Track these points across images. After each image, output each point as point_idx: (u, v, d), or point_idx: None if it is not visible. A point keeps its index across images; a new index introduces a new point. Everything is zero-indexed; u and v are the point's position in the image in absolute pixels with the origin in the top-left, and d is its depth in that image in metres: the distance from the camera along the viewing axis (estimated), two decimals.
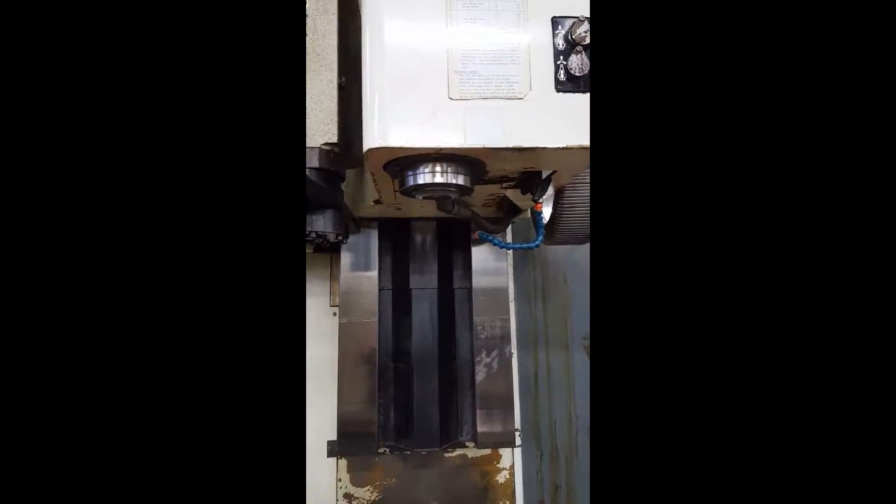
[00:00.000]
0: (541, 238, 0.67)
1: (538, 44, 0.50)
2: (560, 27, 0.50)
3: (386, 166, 0.55)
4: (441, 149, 0.50)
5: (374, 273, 0.94)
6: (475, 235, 0.79)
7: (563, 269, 1.26)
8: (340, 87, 0.59)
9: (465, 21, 0.50)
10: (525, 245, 0.70)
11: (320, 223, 0.62)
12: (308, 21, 0.58)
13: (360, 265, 0.95)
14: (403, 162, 0.53)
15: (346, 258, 0.94)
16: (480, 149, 0.49)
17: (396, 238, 0.98)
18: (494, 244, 0.74)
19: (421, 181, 0.52)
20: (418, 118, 0.49)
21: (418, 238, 0.98)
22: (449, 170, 0.52)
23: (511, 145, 0.49)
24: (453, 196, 0.56)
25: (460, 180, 0.53)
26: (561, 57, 0.50)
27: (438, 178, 0.52)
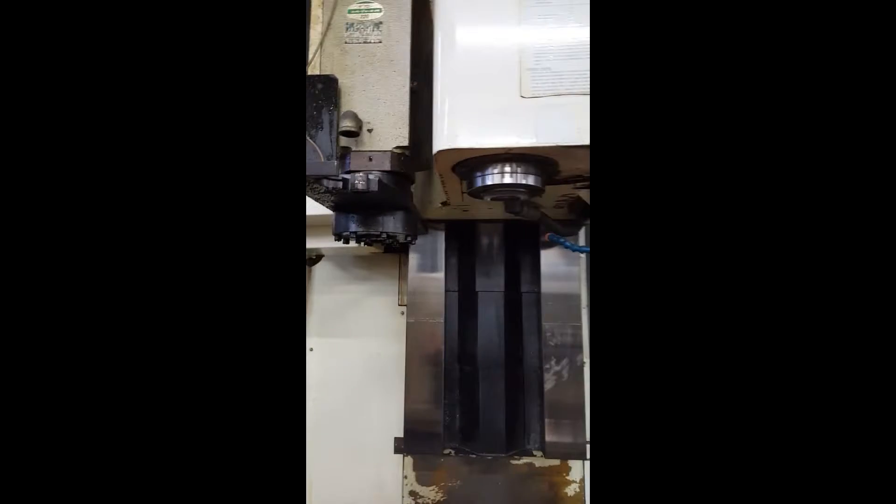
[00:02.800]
0: None
1: None
2: None
3: (455, 168, 0.55)
4: (511, 149, 0.49)
5: (441, 274, 0.95)
6: (545, 237, 0.77)
7: None
8: (412, 91, 0.60)
9: (537, 18, 0.49)
10: None
11: (391, 224, 0.64)
12: (383, 27, 0.60)
13: (428, 266, 0.96)
14: (472, 163, 0.52)
15: (413, 259, 0.96)
16: (552, 147, 0.48)
17: (463, 240, 0.98)
18: (565, 247, 0.72)
19: (489, 182, 0.52)
20: (488, 119, 0.49)
21: (485, 240, 0.98)
22: (518, 170, 0.51)
23: (585, 143, 0.46)
24: (522, 197, 0.55)
25: (530, 180, 0.51)
26: None
27: (507, 179, 0.51)
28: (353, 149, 0.60)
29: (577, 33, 0.48)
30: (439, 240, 0.95)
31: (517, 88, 0.49)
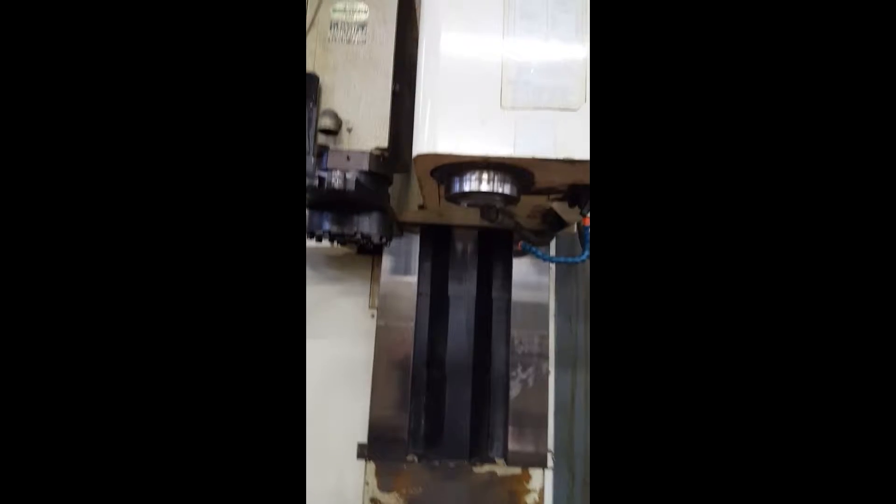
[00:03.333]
0: (587, 253, 0.65)
1: None
2: None
3: (433, 172, 0.55)
4: (489, 157, 0.49)
5: (414, 278, 0.95)
6: (518, 246, 0.78)
7: None
8: (394, 94, 0.60)
9: (522, 32, 0.50)
10: (570, 259, 0.68)
11: (366, 224, 0.63)
12: (367, 29, 0.60)
13: (401, 269, 0.96)
14: (450, 168, 0.53)
15: (387, 261, 0.96)
16: (529, 159, 0.49)
17: (438, 244, 0.98)
18: (537, 256, 0.73)
19: (467, 188, 0.52)
20: (468, 126, 0.49)
21: (459, 245, 0.98)
22: (496, 178, 0.52)
23: (562, 157, 0.48)
24: (498, 205, 0.56)
25: (506, 189, 0.52)
26: None
27: (484, 187, 0.52)
28: (332, 147, 0.59)
29: (560, 49, 0.50)
30: (414, 243, 0.95)
31: (498, 99, 0.50)
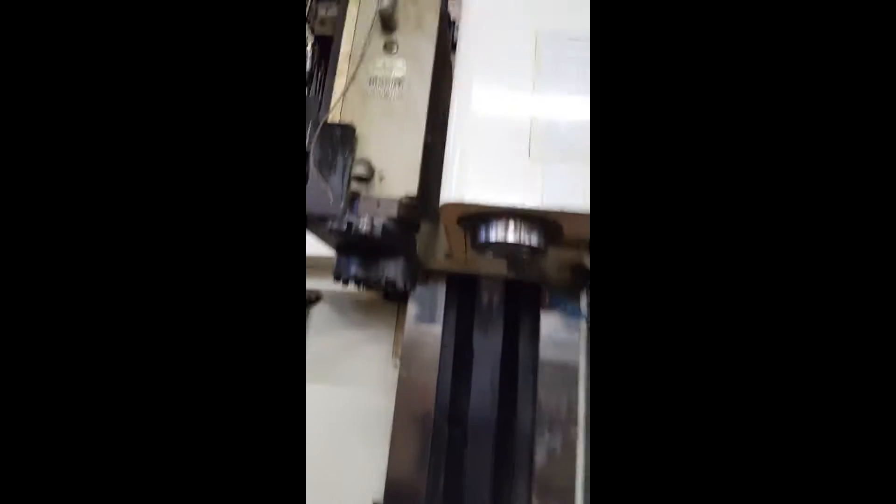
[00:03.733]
0: None
1: None
2: None
3: (459, 221, 0.55)
4: (516, 208, 0.49)
5: (439, 327, 0.93)
6: (547, 300, 0.75)
7: None
8: (426, 146, 0.62)
9: (552, 88, 0.51)
10: None
11: (391, 270, 0.63)
12: (404, 84, 0.63)
13: (426, 318, 0.94)
14: (477, 218, 0.53)
15: (412, 309, 0.95)
16: (557, 212, 0.48)
17: (463, 294, 0.97)
18: (566, 312, 0.70)
19: (493, 238, 0.52)
20: (496, 176, 0.49)
21: (485, 296, 0.96)
22: (522, 228, 0.51)
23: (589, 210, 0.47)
24: (525, 256, 0.54)
25: (533, 241, 0.51)
26: None
27: (511, 237, 0.51)
28: (364, 194, 0.61)
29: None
30: (439, 292, 0.94)
31: (527, 151, 0.50)
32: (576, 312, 0.73)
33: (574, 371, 0.89)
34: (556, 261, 0.70)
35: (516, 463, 0.89)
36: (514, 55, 0.53)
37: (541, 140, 0.50)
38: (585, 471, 0.88)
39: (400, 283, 0.63)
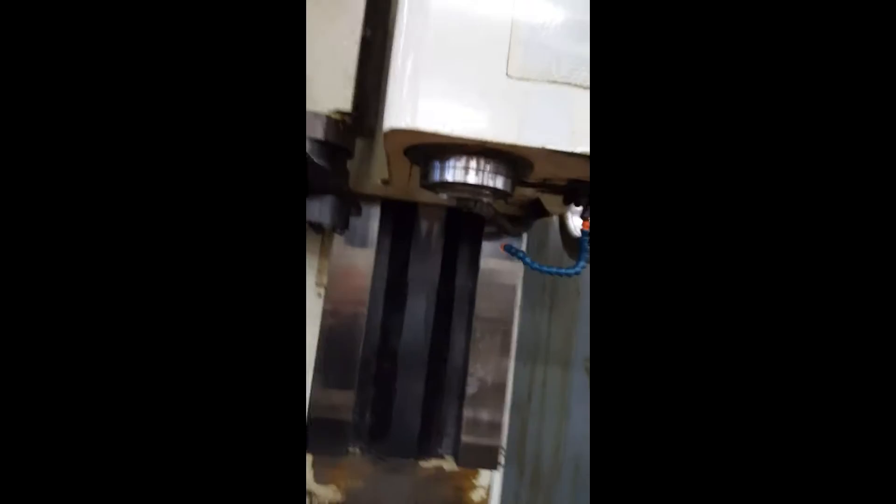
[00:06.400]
0: (583, 264, 0.56)
1: None
2: None
3: (407, 151, 0.43)
4: (486, 142, 0.38)
5: (370, 257, 0.83)
6: (501, 248, 0.69)
7: (578, 280, 1.16)
8: (363, 41, 0.46)
9: None
10: (564, 271, 0.59)
11: (316, 210, 0.51)
12: None
13: (356, 246, 0.84)
14: (431, 150, 0.41)
15: (340, 237, 0.83)
16: (537, 149, 0.38)
17: (400, 222, 0.87)
18: (525, 262, 0.64)
19: (449, 178, 0.41)
20: (462, 97, 0.37)
21: (424, 225, 0.87)
22: (487, 169, 0.41)
23: (579, 151, 0.37)
24: (486, 200, 0.45)
25: (499, 183, 0.42)
26: None
27: (472, 178, 0.41)
28: None
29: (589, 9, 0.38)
30: (372, 218, 0.83)
31: (503, 64, 0.38)
32: (534, 265, 0.67)
33: (511, 301, 0.87)
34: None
35: (446, 393, 0.88)
36: None
37: (523, 49, 0.38)
38: (513, 397, 0.90)
39: (328, 226, 0.51)
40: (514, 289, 0.86)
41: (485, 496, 0.88)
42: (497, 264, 0.87)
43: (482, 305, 0.86)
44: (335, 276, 0.83)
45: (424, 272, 0.87)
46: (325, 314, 0.83)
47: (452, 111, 0.37)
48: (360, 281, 0.83)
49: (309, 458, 0.84)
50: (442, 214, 0.87)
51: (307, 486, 0.85)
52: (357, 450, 0.84)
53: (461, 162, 0.41)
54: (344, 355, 0.83)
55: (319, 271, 0.94)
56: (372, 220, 0.83)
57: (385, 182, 0.65)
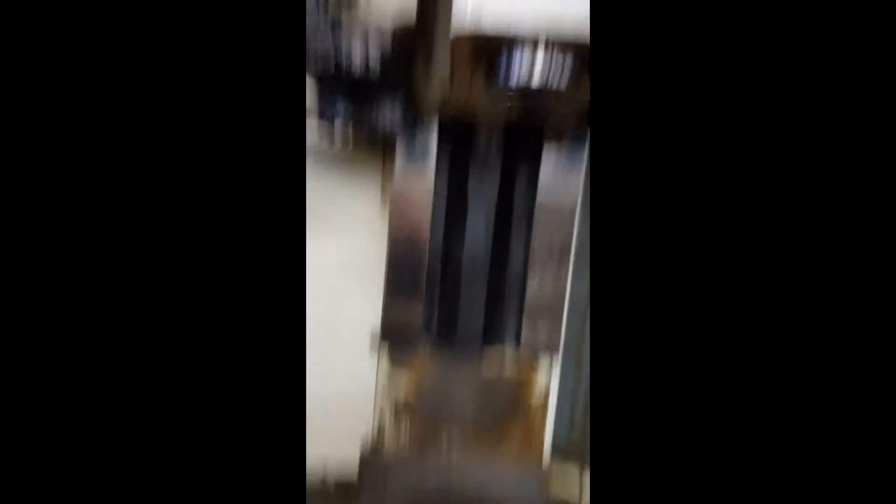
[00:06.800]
0: None
1: None
2: None
3: (473, 52, 0.45)
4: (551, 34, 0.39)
5: (431, 173, 0.88)
6: None
7: None
8: None
9: None
10: None
11: (387, 119, 0.55)
12: None
13: (417, 166, 0.88)
14: (496, 48, 0.43)
15: (400, 157, 0.87)
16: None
17: (458, 141, 0.89)
18: None
19: (516, 72, 0.43)
20: None
21: (482, 143, 0.90)
22: (554, 60, 0.42)
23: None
24: (553, 103, 0.47)
25: (565, 77, 0.43)
26: None
27: (539, 68, 0.42)
28: (345, 19, 0.48)
29: None
30: (431, 137, 0.86)
31: None
32: None
33: (571, 214, 0.90)
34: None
35: (507, 295, 0.95)
36: None
37: None
38: (570, 303, 0.96)
39: (399, 130, 0.55)
40: (574, 201, 0.89)
41: (544, 393, 0.97)
42: (558, 180, 0.88)
43: (542, 221, 0.89)
44: (398, 192, 0.89)
45: (483, 188, 0.91)
46: (391, 226, 0.90)
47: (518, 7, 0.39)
48: (421, 196, 0.88)
49: (384, 360, 0.95)
50: (499, 131, 0.88)
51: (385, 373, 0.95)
52: (427, 344, 0.94)
53: (528, 55, 0.42)
54: (410, 265, 0.91)
55: (383, 192, 1.01)
56: (431, 141, 0.86)
57: (443, 98, 0.67)
